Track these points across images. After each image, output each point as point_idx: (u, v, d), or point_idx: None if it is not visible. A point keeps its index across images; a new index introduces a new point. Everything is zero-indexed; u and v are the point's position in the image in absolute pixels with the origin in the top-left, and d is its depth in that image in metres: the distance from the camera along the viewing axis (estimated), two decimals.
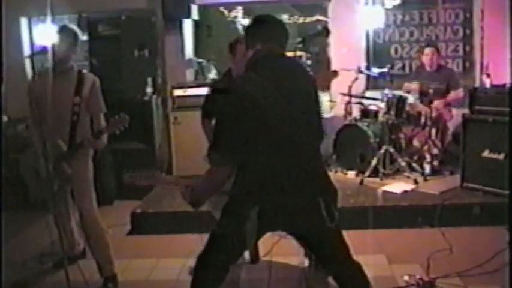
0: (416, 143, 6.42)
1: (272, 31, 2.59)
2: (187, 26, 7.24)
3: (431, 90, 5.98)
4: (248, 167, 2.41)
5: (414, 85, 6.32)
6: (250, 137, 2.34)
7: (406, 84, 6.39)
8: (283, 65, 2.54)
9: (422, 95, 6.24)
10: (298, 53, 5.24)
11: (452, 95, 6.27)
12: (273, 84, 2.38)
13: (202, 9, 7.23)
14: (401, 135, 6.15)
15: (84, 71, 3.94)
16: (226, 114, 2.39)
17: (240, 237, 2.37)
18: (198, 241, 2.77)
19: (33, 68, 4.50)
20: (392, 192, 5.36)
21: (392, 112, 5.84)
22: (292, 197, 2.39)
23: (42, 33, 6.98)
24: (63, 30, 3.73)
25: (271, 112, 2.35)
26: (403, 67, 7.39)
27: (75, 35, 3.77)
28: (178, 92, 6.42)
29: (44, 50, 3.66)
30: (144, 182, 3.12)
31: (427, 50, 6.40)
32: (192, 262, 2.67)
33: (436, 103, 6.05)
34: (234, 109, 2.35)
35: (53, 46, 3.66)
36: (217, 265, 2.51)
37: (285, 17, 7.52)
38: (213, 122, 2.50)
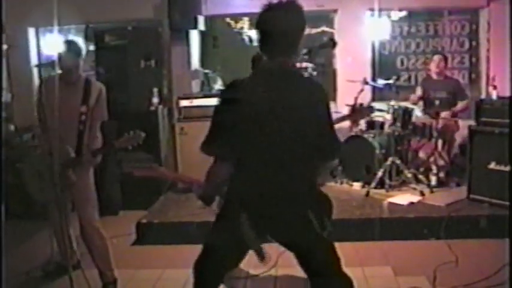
0: (422, 154, 6.41)
1: (278, 41, 2.38)
2: (194, 36, 7.27)
3: (437, 101, 5.98)
4: (239, 173, 2.43)
5: (418, 92, 6.34)
6: (241, 138, 2.38)
7: (413, 96, 6.42)
8: (283, 76, 2.41)
9: (427, 105, 6.24)
10: (304, 64, 5.27)
11: (460, 105, 6.29)
12: (269, 94, 2.34)
13: (208, 20, 7.26)
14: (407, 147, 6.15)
15: (93, 78, 3.95)
16: (220, 111, 2.45)
17: (229, 244, 2.40)
18: None
19: (40, 78, 4.53)
20: (398, 204, 5.33)
21: (399, 123, 5.86)
22: (278, 207, 2.38)
23: (50, 43, 7.05)
24: (68, 43, 3.81)
25: (263, 119, 2.34)
26: (409, 78, 7.41)
27: (79, 48, 3.82)
28: (184, 103, 6.42)
29: (51, 61, 3.71)
30: (141, 172, 3.12)
31: (436, 57, 6.46)
32: None
33: (444, 114, 6.06)
34: (228, 106, 2.41)
35: (59, 56, 3.71)
36: (209, 271, 2.51)
37: None
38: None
